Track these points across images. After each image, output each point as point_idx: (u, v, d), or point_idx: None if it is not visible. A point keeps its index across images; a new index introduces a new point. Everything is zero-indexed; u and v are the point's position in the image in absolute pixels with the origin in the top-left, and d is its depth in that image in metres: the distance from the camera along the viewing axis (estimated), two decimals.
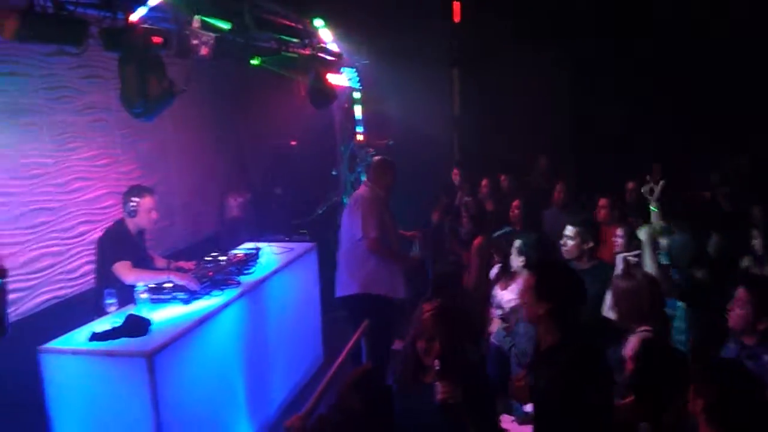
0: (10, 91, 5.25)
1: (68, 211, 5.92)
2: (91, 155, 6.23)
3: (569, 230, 4.97)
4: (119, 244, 5.00)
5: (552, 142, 9.08)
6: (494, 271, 5.51)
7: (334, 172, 7.96)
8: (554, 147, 8.99)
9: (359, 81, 7.78)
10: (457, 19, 8.95)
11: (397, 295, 5.92)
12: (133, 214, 5.07)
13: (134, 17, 3.84)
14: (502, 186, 8.04)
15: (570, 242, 4.94)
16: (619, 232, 5.61)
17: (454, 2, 8.83)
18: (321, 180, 8.10)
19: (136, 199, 5.06)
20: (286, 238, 7.01)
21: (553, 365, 3.16)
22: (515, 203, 6.68)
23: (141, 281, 4.81)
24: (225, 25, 4.57)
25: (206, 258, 5.64)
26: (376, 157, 6.07)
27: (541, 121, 9.11)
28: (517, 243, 5.00)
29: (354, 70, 7.55)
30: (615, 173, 7.99)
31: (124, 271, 4.85)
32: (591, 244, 4.96)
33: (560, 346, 3.18)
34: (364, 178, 8.05)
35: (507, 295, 5.10)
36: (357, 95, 7.91)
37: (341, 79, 7.28)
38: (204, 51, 4.36)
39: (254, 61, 5.24)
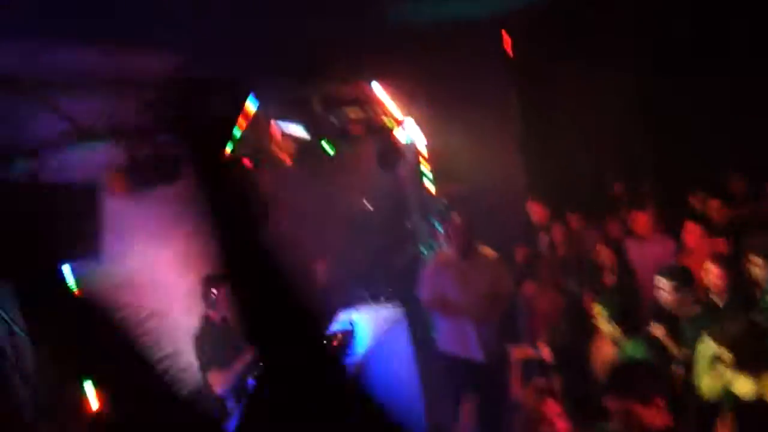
0: None
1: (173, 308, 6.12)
2: (184, 247, 6.42)
3: (663, 284, 4.90)
4: (205, 349, 4.97)
5: (627, 162, 8.78)
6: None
7: (408, 225, 8.05)
8: (630, 167, 8.72)
9: (421, 132, 7.86)
10: (509, 51, 8.94)
11: (471, 355, 5.87)
12: (214, 305, 5.06)
13: (226, 144, 4.00)
14: (571, 227, 7.65)
15: (665, 295, 4.89)
16: (714, 269, 5.35)
17: (504, 38, 8.81)
18: (398, 234, 8.19)
19: (215, 290, 5.01)
20: (373, 301, 7.12)
21: None
22: (602, 249, 6.48)
23: (230, 382, 4.86)
24: (303, 132, 4.74)
25: None
26: (452, 218, 6.12)
27: (614, 138, 8.81)
28: (604, 312, 4.87)
29: (414, 121, 7.63)
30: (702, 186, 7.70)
31: (214, 381, 4.86)
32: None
33: None
34: (439, 228, 8.19)
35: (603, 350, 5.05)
36: (421, 146, 7.98)
37: (404, 134, 7.39)
38: (288, 161, 4.53)
39: (328, 149, 5.39)
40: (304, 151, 4.89)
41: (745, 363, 3.86)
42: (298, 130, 4.85)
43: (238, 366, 4.90)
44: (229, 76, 4.64)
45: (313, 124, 5.08)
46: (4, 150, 2.87)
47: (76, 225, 3.10)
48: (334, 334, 5.98)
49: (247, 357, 4.92)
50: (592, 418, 3.68)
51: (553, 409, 3.68)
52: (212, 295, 5.04)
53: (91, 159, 3.47)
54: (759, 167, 7.51)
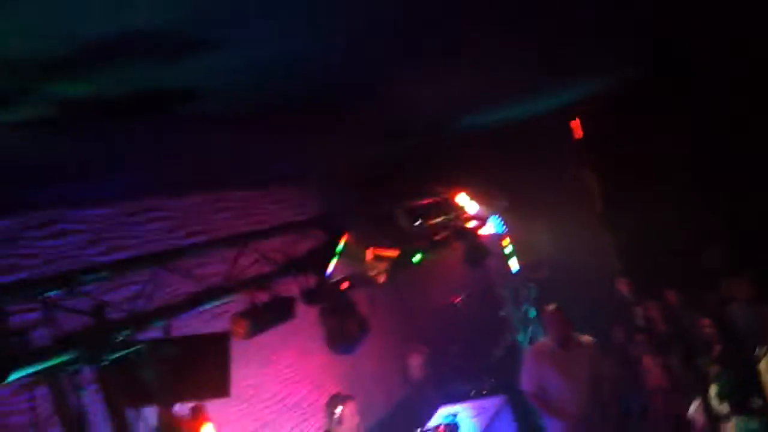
0: None
1: (283, 418, 6.52)
2: (290, 362, 6.87)
3: None
4: None
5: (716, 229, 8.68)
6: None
7: (501, 313, 8.24)
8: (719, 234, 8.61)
9: (504, 224, 8.15)
10: (578, 135, 9.19)
11: None
12: (338, 422, 5.44)
13: (326, 274, 4.47)
14: (670, 303, 7.61)
15: None
16: None
17: (571, 122, 9.09)
18: (492, 324, 8.39)
19: (339, 409, 5.43)
20: (475, 393, 7.28)
21: None
22: (705, 322, 6.47)
23: None
24: (392, 250, 5.15)
25: None
26: (546, 308, 6.28)
27: (697, 208, 8.74)
28: (715, 389, 4.91)
29: (497, 216, 7.94)
30: None
31: None
32: None
33: None
34: (532, 314, 8.34)
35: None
36: (507, 237, 8.26)
37: (488, 228, 7.69)
38: (381, 279, 4.93)
39: (415, 259, 5.75)
40: (396, 266, 5.28)
41: None
42: (388, 249, 5.26)
43: None
44: (325, 207, 5.18)
45: (401, 239, 5.48)
46: (142, 315, 3.39)
47: (208, 371, 3.56)
48: (436, 428, 6.15)
49: None
50: None
51: None
52: (336, 414, 5.44)
53: (217, 310, 3.98)
54: None
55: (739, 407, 4.83)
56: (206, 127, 3.75)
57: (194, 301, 3.67)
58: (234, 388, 6.07)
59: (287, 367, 6.81)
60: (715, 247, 8.26)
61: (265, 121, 4.07)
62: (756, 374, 5.69)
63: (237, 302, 4.15)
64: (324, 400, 6.33)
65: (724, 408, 4.79)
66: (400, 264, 5.33)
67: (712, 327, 6.34)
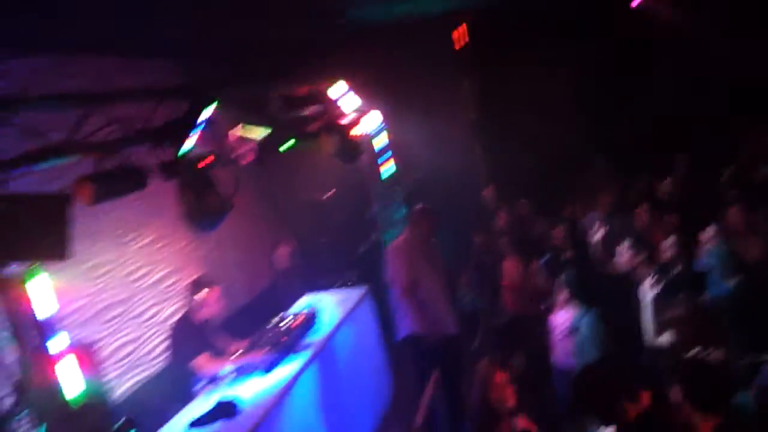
0: None
1: (138, 297, 6.40)
2: (149, 242, 6.68)
3: (622, 247, 5.41)
4: (190, 340, 5.34)
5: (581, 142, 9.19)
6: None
7: (370, 211, 8.37)
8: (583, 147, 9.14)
9: (382, 123, 8.14)
10: (462, 43, 9.25)
11: (448, 330, 6.25)
12: (200, 306, 5.43)
13: (185, 147, 4.28)
14: (521, 213, 8.20)
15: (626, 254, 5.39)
16: (667, 242, 5.80)
17: (455, 30, 9.12)
18: (360, 222, 8.54)
19: (202, 294, 5.41)
20: (338, 285, 7.47)
21: None
22: (558, 230, 6.98)
23: (216, 370, 5.27)
24: (261, 132, 4.99)
25: (273, 323, 6.06)
26: (416, 207, 6.44)
27: (566, 120, 9.16)
28: (562, 277, 5.36)
29: (374, 115, 7.90)
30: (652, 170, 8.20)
31: (204, 365, 5.27)
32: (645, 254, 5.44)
33: None
34: (400, 215, 8.54)
35: (560, 318, 5.53)
36: (382, 138, 8.27)
37: (364, 126, 7.65)
38: (246, 160, 4.81)
39: (284, 146, 5.62)
40: (262, 149, 5.15)
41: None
42: (256, 131, 5.11)
43: (226, 361, 5.34)
44: (189, 81, 4.90)
45: (272, 124, 5.32)
46: None
47: (46, 232, 3.36)
48: (298, 314, 6.24)
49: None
50: None
51: (502, 378, 4.01)
52: (199, 297, 5.38)
53: (60, 171, 3.72)
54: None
55: (579, 297, 5.28)
56: None
57: (31, 157, 3.40)
58: (87, 264, 5.90)
59: (146, 247, 6.63)
60: (599, 159, 8.81)
61: None
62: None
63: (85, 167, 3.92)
64: (184, 283, 6.27)
65: (565, 295, 5.21)
66: (268, 148, 5.20)
67: (564, 235, 6.84)
